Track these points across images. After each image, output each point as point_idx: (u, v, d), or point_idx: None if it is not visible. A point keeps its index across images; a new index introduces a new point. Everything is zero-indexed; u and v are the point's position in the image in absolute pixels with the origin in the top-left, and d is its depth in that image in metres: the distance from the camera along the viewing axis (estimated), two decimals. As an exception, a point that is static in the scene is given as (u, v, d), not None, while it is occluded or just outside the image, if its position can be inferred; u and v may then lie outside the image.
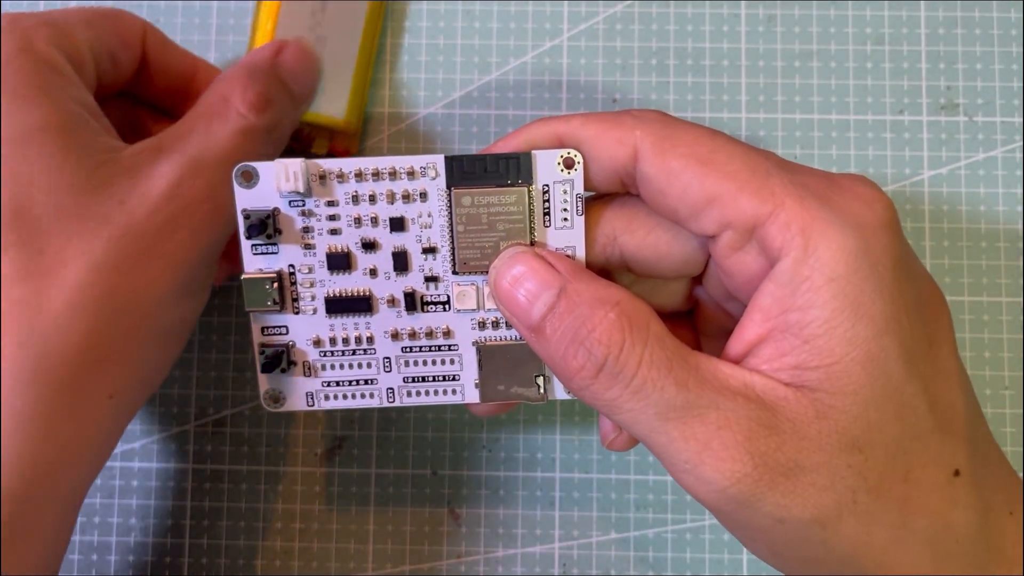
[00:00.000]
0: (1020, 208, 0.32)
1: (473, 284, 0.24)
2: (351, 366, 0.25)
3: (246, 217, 0.23)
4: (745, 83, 0.33)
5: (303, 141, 0.31)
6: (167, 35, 0.29)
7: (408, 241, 0.24)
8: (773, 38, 0.33)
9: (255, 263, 0.24)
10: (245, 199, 0.23)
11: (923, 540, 0.21)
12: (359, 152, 0.33)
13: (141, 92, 0.29)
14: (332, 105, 0.31)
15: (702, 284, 0.25)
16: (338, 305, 0.24)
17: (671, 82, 0.33)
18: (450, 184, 0.23)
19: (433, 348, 0.25)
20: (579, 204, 0.23)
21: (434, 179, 0.23)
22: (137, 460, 0.32)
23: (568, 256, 0.23)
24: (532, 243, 0.23)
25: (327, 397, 0.25)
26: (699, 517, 0.31)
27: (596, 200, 0.24)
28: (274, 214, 0.23)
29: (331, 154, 0.32)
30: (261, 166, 0.23)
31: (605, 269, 0.25)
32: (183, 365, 0.32)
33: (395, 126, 0.33)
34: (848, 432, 0.20)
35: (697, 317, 0.26)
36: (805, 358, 0.20)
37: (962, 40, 0.33)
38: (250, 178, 0.23)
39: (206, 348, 0.32)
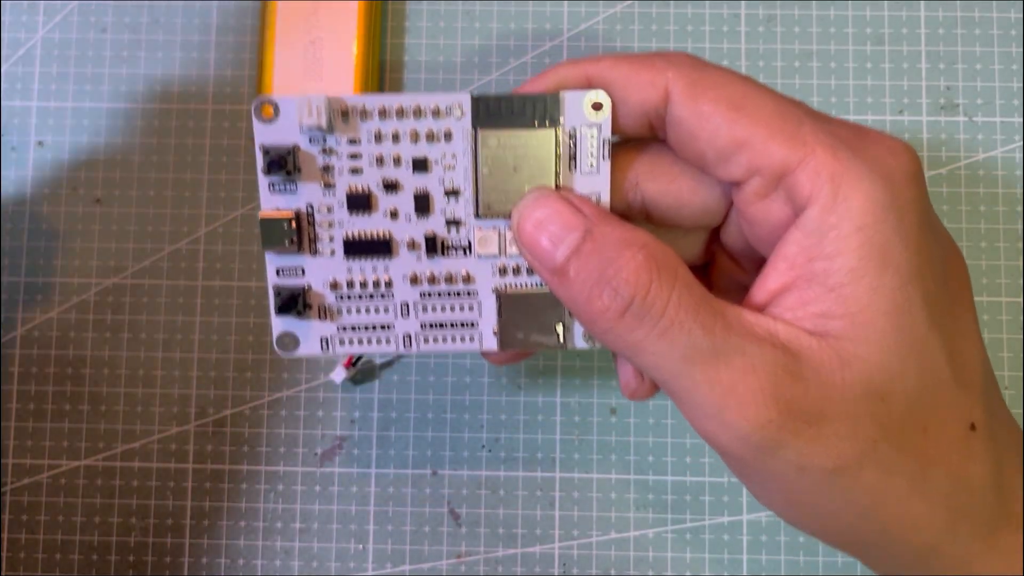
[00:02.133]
0: (1020, 208, 0.32)
1: (496, 229, 0.23)
2: (368, 311, 0.24)
3: (265, 153, 0.22)
4: (745, 83, 0.33)
5: None
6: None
7: (431, 183, 0.23)
8: (773, 38, 0.33)
9: (273, 201, 0.23)
10: (264, 134, 0.22)
11: (940, 492, 0.21)
12: None
13: None
14: None
15: (719, 238, 0.25)
16: (357, 247, 0.23)
17: (671, 82, 0.33)
18: (476, 124, 0.22)
19: (452, 294, 0.24)
20: (606, 148, 0.23)
21: (459, 119, 0.22)
22: (137, 460, 0.32)
23: (593, 200, 0.23)
24: (557, 187, 0.23)
25: (342, 342, 0.24)
26: (699, 517, 0.31)
27: (619, 146, 0.24)
28: (294, 151, 0.22)
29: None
30: (282, 100, 0.22)
31: (625, 216, 0.24)
32: (183, 365, 0.32)
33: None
34: (871, 381, 0.20)
35: (712, 271, 0.26)
36: (830, 306, 0.20)
37: (962, 40, 0.33)
38: (270, 113, 0.22)
39: (206, 348, 0.32)
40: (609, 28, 0.33)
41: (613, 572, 0.31)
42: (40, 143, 0.34)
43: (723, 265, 0.25)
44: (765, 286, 0.21)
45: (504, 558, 0.32)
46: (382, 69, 0.33)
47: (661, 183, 0.23)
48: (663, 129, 0.23)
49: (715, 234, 0.25)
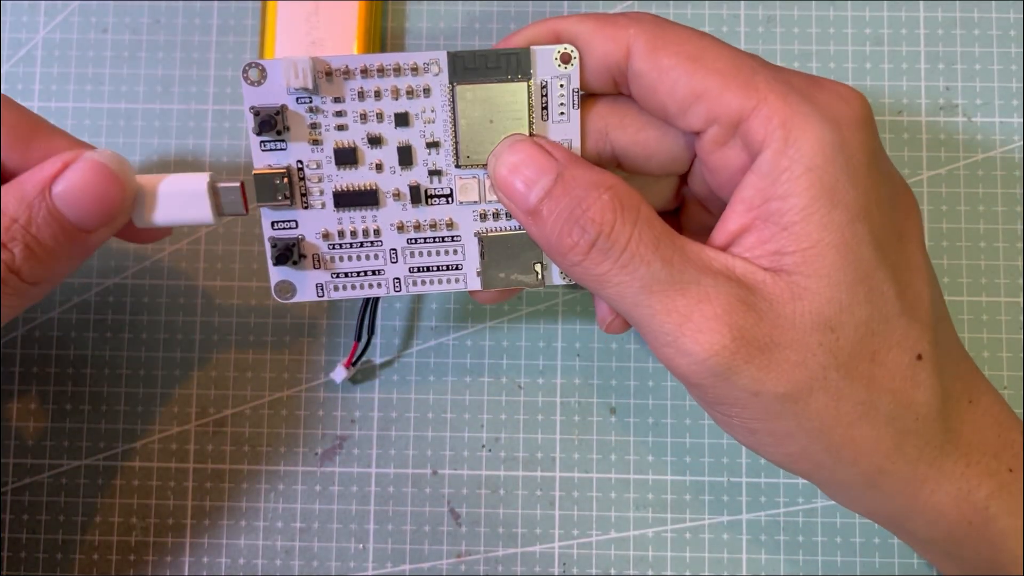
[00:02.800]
0: (1019, 208, 0.32)
1: (475, 177, 0.25)
2: (359, 258, 0.25)
3: (255, 114, 0.24)
4: (744, 83, 0.33)
5: None
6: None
7: (412, 136, 0.24)
8: (773, 38, 0.33)
9: (264, 159, 0.24)
10: (253, 96, 0.24)
11: (886, 417, 0.22)
12: None
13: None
14: None
15: (687, 184, 0.26)
16: (346, 199, 0.25)
17: (671, 82, 0.33)
18: (452, 80, 0.24)
19: (437, 240, 0.25)
20: (575, 98, 0.24)
21: (437, 75, 0.24)
22: (138, 459, 0.32)
23: (564, 146, 0.24)
24: (531, 135, 0.24)
25: (336, 288, 0.26)
26: (699, 517, 0.32)
27: (589, 98, 0.25)
28: (282, 111, 0.24)
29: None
30: (269, 63, 0.23)
31: (597, 164, 0.25)
32: (184, 365, 0.32)
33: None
34: (821, 312, 0.21)
35: (682, 216, 0.27)
36: (783, 243, 0.21)
37: (961, 41, 0.33)
38: (258, 76, 0.24)
39: (206, 348, 0.32)
40: (609, 28, 0.33)
41: (613, 572, 0.31)
42: (40, 143, 0.34)
43: (692, 210, 0.27)
44: (725, 228, 0.23)
45: (504, 558, 0.32)
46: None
47: (629, 133, 0.25)
48: (626, 85, 0.24)
49: (684, 181, 0.26)
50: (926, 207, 0.32)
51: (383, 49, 0.33)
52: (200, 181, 0.25)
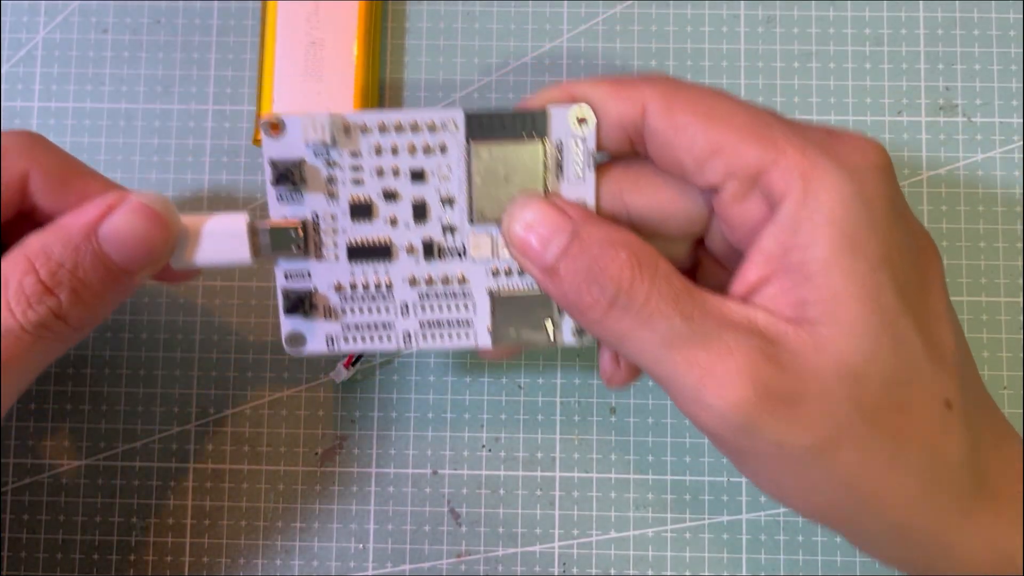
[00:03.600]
0: (1019, 208, 0.32)
1: (488, 234, 0.25)
2: (370, 310, 0.25)
3: (274, 166, 0.24)
4: (745, 84, 0.33)
5: None
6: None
7: (428, 192, 0.25)
8: (773, 39, 0.33)
9: (280, 210, 0.25)
10: (273, 149, 0.24)
11: (916, 468, 0.22)
12: None
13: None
14: (339, 102, 0.31)
15: (704, 244, 0.26)
16: (359, 252, 0.25)
17: (671, 83, 0.33)
18: (469, 138, 0.24)
19: (449, 295, 0.25)
20: (591, 159, 0.24)
21: (454, 133, 0.24)
22: (138, 459, 0.32)
23: (579, 204, 0.24)
24: (546, 193, 0.24)
25: (347, 340, 0.25)
26: (699, 517, 0.32)
27: (604, 163, 0.25)
28: (300, 164, 0.24)
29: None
30: (289, 118, 0.24)
31: None
32: (184, 365, 0.32)
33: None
34: (846, 363, 0.21)
35: (698, 274, 0.27)
36: (806, 294, 0.21)
37: (961, 41, 0.33)
38: (278, 129, 0.24)
39: (207, 348, 0.32)
40: (609, 28, 0.33)
41: (613, 571, 0.31)
42: (41, 143, 0.34)
43: (708, 268, 0.26)
44: (745, 279, 0.22)
45: (504, 557, 0.32)
46: (382, 69, 0.33)
47: (645, 194, 0.24)
48: (643, 144, 0.24)
49: (700, 240, 0.26)
50: (926, 207, 0.32)
51: (383, 49, 0.33)
52: (239, 222, 0.24)
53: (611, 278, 0.22)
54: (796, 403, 0.21)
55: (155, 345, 0.32)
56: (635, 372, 0.26)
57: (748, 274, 0.22)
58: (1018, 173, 0.32)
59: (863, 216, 0.21)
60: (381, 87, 0.33)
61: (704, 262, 0.26)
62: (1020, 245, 0.32)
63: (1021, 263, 0.32)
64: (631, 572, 0.31)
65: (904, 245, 0.22)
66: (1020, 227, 0.32)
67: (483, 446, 0.32)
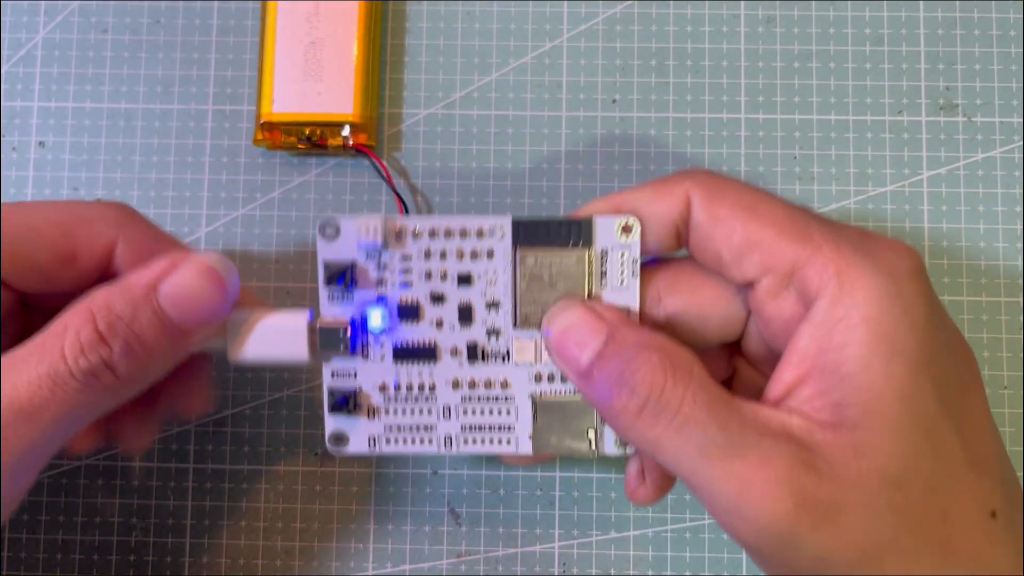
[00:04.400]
0: (1019, 208, 0.32)
1: (532, 338, 0.25)
2: (413, 412, 0.26)
3: (326, 267, 0.25)
4: (744, 84, 0.33)
5: (315, 142, 0.32)
6: (152, 223, 0.26)
7: (474, 295, 0.25)
8: (772, 39, 0.33)
9: (331, 310, 0.25)
10: (327, 251, 0.25)
11: None
12: (378, 144, 0.32)
13: None
14: (338, 102, 0.31)
15: (741, 350, 0.26)
16: (405, 353, 0.25)
17: (671, 83, 0.33)
18: (515, 244, 0.25)
19: (491, 399, 0.26)
20: (635, 267, 0.25)
21: (501, 239, 0.25)
22: (138, 459, 0.32)
23: (616, 308, 0.24)
24: (588, 298, 0.25)
25: (388, 441, 0.26)
26: (699, 516, 0.31)
27: (645, 266, 0.26)
28: (352, 266, 0.25)
29: (352, 147, 0.32)
30: (344, 221, 0.24)
31: None
32: (184, 365, 0.32)
33: (394, 127, 0.33)
34: (887, 470, 0.20)
35: (734, 384, 0.27)
36: (843, 395, 0.21)
37: (961, 40, 0.33)
38: (333, 231, 0.25)
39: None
40: (609, 28, 0.33)
41: (613, 571, 0.31)
42: (41, 143, 0.34)
43: (745, 374, 0.26)
44: (781, 379, 0.22)
45: (504, 557, 0.32)
46: (382, 69, 0.33)
47: (683, 295, 0.25)
48: (688, 237, 0.24)
49: (736, 349, 0.26)
50: (926, 207, 0.32)
51: (384, 49, 0.33)
52: (300, 320, 0.25)
53: (642, 381, 0.22)
54: (837, 513, 0.20)
55: (155, 345, 0.32)
56: (662, 490, 0.26)
57: (784, 374, 0.22)
58: (1018, 173, 0.32)
59: (900, 317, 0.21)
60: (381, 89, 0.33)
61: (740, 368, 0.26)
62: (1020, 245, 0.32)
63: (1021, 263, 0.32)
64: (631, 572, 0.31)
65: (943, 349, 0.22)
66: (1020, 227, 0.32)
67: (483, 446, 0.32)
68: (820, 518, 0.20)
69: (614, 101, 0.33)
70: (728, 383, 0.27)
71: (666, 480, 0.26)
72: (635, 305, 0.25)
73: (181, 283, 0.23)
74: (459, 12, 0.34)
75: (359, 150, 0.32)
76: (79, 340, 0.22)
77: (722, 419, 0.21)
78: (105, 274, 0.25)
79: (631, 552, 0.31)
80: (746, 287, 0.23)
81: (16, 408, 0.22)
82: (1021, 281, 0.32)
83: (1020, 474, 0.31)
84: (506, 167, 0.33)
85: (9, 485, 0.22)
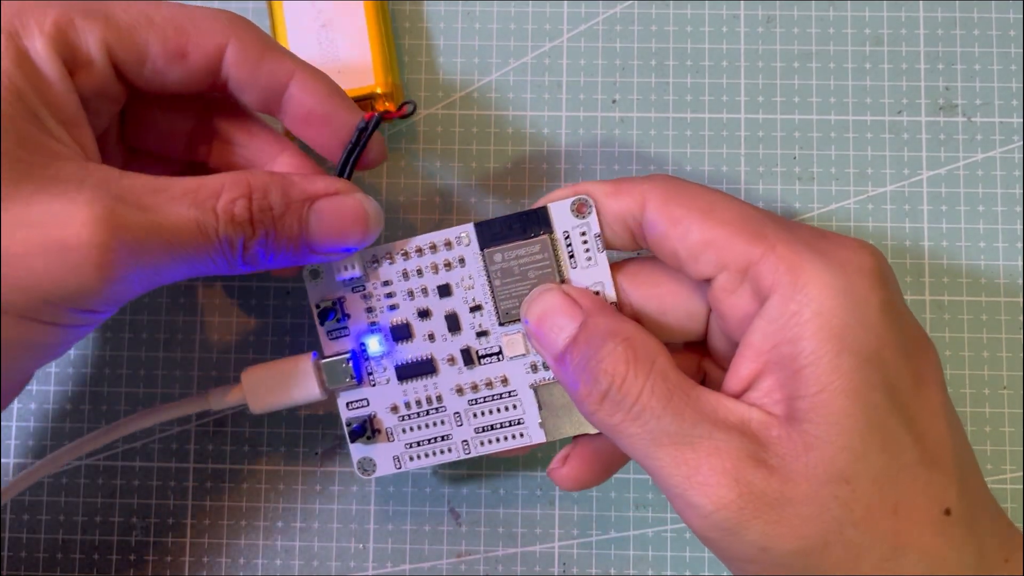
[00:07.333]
0: (1018, 208, 0.32)
1: (519, 332, 0.26)
2: (427, 426, 0.27)
3: (317, 307, 0.27)
4: (744, 84, 0.33)
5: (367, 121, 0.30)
6: (263, 32, 0.26)
7: (456, 303, 0.26)
8: (772, 39, 0.33)
9: (333, 347, 0.27)
10: (314, 293, 0.27)
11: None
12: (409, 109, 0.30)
13: (235, 99, 0.26)
14: (360, 78, 0.31)
15: (708, 351, 0.26)
16: (407, 371, 0.27)
17: (671, 83, 0.33)
18: (482, 247, 0.26)
19: (495, 397, 0.27)
20: (599, 242, 0.25)
21: (467, 245, 0.26)
22: (138, 459, 0.32)
23: (594, 292, 0.25)
24: (562, 282, 0.26)
25: (411, 458, 0.27)
26: (699, 516, 0.32)
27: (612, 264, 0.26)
28: (341, 300, 0.27)
29: (390, 118, 0.30)
30: (323, 265, 0.26)
31: None
32: (184, 365, 0.32)
33: (394, 127, 0.33)
34: (834, 463, 0.21)
35: (705, 384, 0.27)
36: (795, 389, 0.21)
37: (961, 41, 0.33)
38: (317, 275, 0.27)
39: (206, 348, 0.32)
40: (609, 28, 0.33)
41: (613, 571, 0.31)
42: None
43: (712, 375, 0.27)
44: (737, 373, 0.23)
45: (504, 557, 0.32)
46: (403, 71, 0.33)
47: (645, 288, 0.26)
48: (643, 236, 0.25)
49: (705, 353, 0.27)
50: (926, 207, 0.32)
51: (400, 51, 0.33)
52: (306, 362, 0.27)
53: (605, 371, 0.22)
54: (782, 506, 0.21)
55: (155, 345, 0.32)
56: (583, 481, 0.26)
57: (740, 368, 0.23)
58: (1018, 173, 0.32)
59: (851, 311, 0.21)
60: (399, 53, 0.33)
61: (710, 371, 0.27)
62: (1020, 245, 0.32)
63: (1021, 263, 0.32)
64: (631, 572, 0.31)
65: (897, 345, 0.22)
66: (1020, 227, 0.32)
67: (483, 446, 0.32)
68: (763, 509, 0.21)
69: (614, 101, 0.33)
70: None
71: (585, 471, 0.26)
72: (607, 278, 0.26)
73: (335, 211, 0.24)
74: (459, 12, 0.34)
75: (395, 117, 0.30)
76: (233, 208, 0.23)
77: (678, 409, 0.22)
78: (215, 79, 0.25)
79: (631, 552, 0.31)
80: (705, 284, 0.24)
81: (154, 226, 0.21)
82: (1021, 281, 0.32)
83: (1020, 474, 0.31)
84: (506, 167, 0.33)
85: (108, 290, 0.21)
